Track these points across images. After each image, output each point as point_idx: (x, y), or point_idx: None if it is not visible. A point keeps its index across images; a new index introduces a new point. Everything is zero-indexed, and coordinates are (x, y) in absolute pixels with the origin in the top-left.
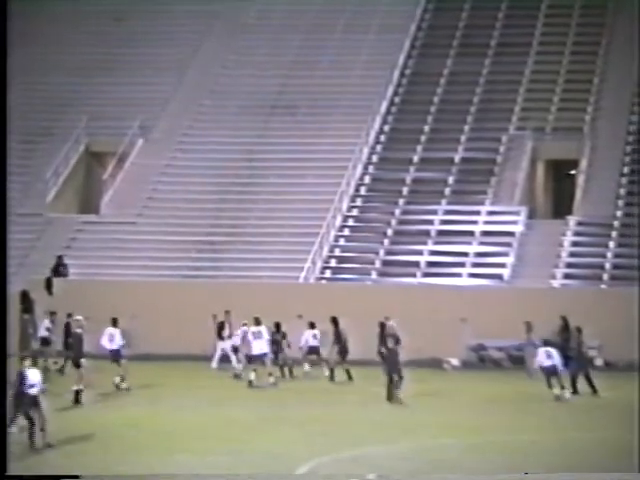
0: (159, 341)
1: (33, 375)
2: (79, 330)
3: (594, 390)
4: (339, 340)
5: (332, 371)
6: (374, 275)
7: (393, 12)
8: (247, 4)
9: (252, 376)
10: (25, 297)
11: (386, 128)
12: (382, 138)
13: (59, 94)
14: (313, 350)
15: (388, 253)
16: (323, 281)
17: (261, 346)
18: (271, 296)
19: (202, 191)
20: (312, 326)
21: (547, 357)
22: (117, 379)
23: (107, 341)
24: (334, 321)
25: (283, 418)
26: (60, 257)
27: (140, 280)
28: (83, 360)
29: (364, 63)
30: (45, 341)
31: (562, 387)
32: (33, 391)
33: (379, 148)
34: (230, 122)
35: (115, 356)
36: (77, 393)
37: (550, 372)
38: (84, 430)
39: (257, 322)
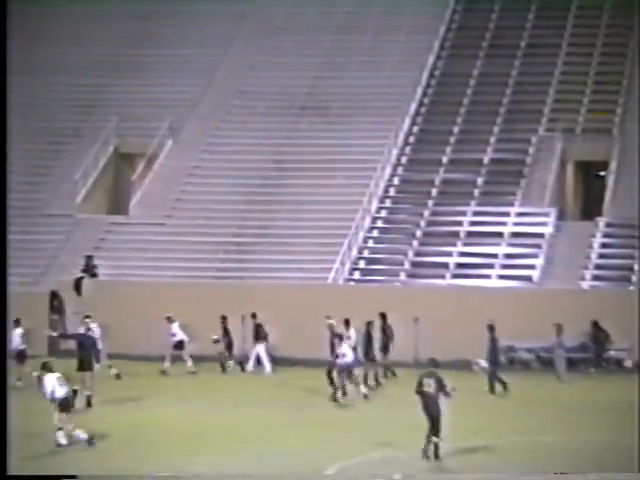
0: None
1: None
2: (91, 332)
3: (504, 387)
4: (385, 335)
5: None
6: (403, 276)
7: (422, 13)
8: (276, 5)
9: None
10: (55, 297)
11: (415, 129)
12: (411, 139)
13: (87, 95)
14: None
15: (417, 254)
16: (352, 282)
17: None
18: (299, 297)
19: (230, 192)
20: (347, 324)
21: (343, 355)
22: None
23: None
24: (383, 316)
25: (309, 419)
26: (89, 257)
27: (168, 281)
28: (97, 365)
29: (393, 64)
30: None
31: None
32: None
33: (408, 149)
34: (259, 123)
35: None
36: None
37: (346, 369)
38: (106, 430)
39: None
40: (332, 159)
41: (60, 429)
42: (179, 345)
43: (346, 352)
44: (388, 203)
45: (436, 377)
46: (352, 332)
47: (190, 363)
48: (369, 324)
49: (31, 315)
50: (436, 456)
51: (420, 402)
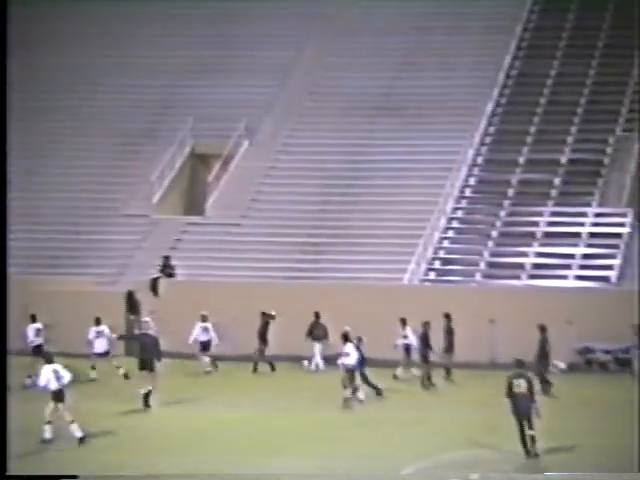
0: None
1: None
2: (152, 331)
3: (549, 388)
4: (450, 336)
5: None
6: (479, 277)
7: (499, 13)
8: (351, 6)
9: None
10: (131, 297)
11: (491, 129)
12: (487, 139)
13: (164, 96)
14: (406, 349)
15: (493, 255)
16: (427, 283)
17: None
18: (375, 298)
19: (306, 193)
20: (403, 323)
21: (346, 355)
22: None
23: (200, 333)
24: (447, 317)
25: (384, 420)
26: (167, 257)
27: (244, 281)
28: (159, 364)
29: (470, 64)
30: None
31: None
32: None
33: (484, 149)
34: (334, 124)
35: (205, 347)
36: (146, 395)
37: (349, 370)
38: (174, 431)
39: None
40: (408, 159)
41: (49, 423)
42: (205, 346)
43: (349, 352)
44: (464, 203)
45: (527, 377)
46: (408, 331)
47: (207, 360)
48: (426, 324)
49: (108, 315)
50: (527, 451)
51: (510, 404)
